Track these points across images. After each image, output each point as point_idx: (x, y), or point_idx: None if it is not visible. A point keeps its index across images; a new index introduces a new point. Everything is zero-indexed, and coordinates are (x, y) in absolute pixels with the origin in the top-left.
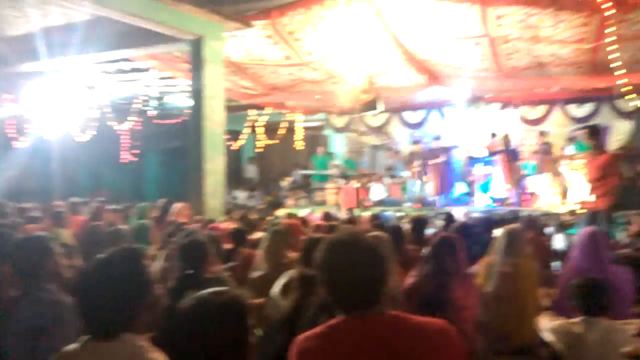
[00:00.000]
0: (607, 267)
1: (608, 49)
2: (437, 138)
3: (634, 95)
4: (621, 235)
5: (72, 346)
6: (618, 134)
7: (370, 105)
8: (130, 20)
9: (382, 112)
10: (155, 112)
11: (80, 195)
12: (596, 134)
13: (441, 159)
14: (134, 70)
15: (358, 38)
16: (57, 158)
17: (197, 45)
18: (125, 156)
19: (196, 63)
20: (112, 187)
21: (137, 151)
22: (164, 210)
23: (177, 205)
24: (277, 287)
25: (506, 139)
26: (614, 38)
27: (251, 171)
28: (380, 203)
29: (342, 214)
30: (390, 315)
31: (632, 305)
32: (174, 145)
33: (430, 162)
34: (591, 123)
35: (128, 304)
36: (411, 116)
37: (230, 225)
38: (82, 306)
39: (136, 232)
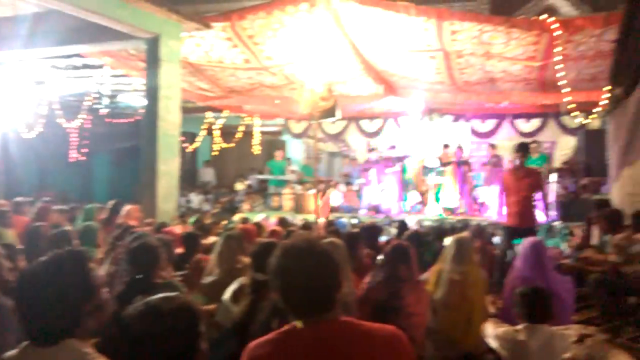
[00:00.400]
0: (550, 276)
1: (556, 67)
2: (393, 147)
3: (578, 112)
4: (564, 246)
5: (11, 352)
6: (563, 149)
7: (329, 113)
8: (84, 15)
9: (339, 119)
10: (107, 111)
11: (25, 194)
12: (522, 151)
13: (396, 168)
14: (85, 66)
15: (318, 45)
16: (2, 155)
17: (153, 44)
18: (74, 155)
19: (152, 62)
20: (59, 187)
21: (87, 150)
22: (113, 212)
23: (127, 208)
24: (228, 293)
25: (458, 151)
26: (561, 57)
27: (208, 174)
28: (336, 210)
29: (298, 221)
30: (343, 322)
31: (572, 313)
32: (126, 145)
33: (386, 170)
34: (532, 139)
35: (71, 309)
36: (368, 125)
37: (183, 229)
38: (22, 310)
39: (82, 234)
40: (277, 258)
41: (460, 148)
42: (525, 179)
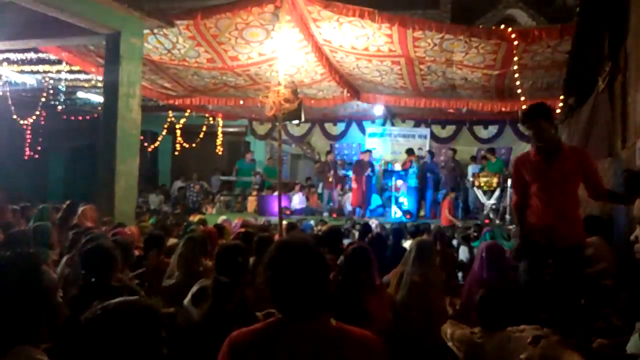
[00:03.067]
0: (506, 278)
1: (515, 75)
2: (369, 150)
3: None
4: None
5: None
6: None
7: (293, 115)
8: (42, 8)
9: (303, 122)
10: (63, 107)
11: None
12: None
13: (367, 172)
14: (41, 61)
15: (283, 47)
16: None
17: (114, 40)
18: (28, 152)
19: (112, 58)
20: (12, 185)
21: (42, 147)
22: (68, 212)
23: (83, 208)
24: (189, 296)
25: (427, 155)
26: (518, 67)
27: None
28: (299, 212)
29: (261, 223)
30: (326, 321)
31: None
32: (83, 143)
33: (357, 173)
34: (489, 145)
35: (22, 314)
36: (332, 128)
37: (138, 230)
38: None
39: (36, 234)
40: (274, 252)
41: (428, 152)
42: (562, 163)
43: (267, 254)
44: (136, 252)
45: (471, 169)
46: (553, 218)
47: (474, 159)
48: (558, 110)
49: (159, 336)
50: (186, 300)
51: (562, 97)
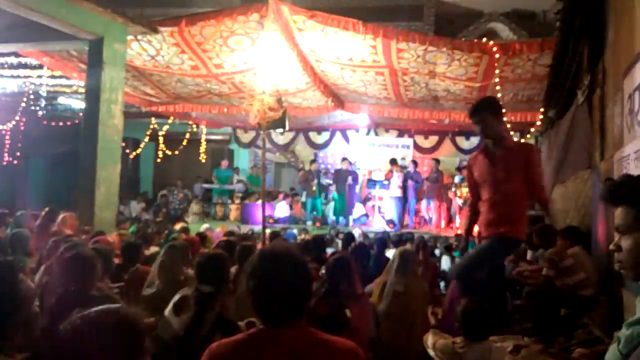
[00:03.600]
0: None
1: (497, 88)
2: (347, 159)
3: (514, 132)
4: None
5: None
6: None
7: (277, 123)
8: (23, 12)
9: (288, 130)
10: (44, 112)
11: None
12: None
13: (348, 181)
14: (22, 65)
15: (268, 56)
16: None
17: (97, 46)
18: (7, 158)
19: (94, 64)
20: None
21: (21, 153)
22: (47, 219)
23: (63, 215)
24: (170, 305)
25: (410, 165)
26: (499, 79)
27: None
28: (283, 220)
29: (245, 231)
30: (308, 330)
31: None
32: (64, 149)
33: (338, 183)
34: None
35: None
36: (316, 137)
37: (119, 238)
38: None
39: (13, 241)
40: (257, 260)
41: (412, 162)
42: (504, 159)
43: (250, 262)
44: (116, 261)
45: (456, 179)
46: (494, 214)
47: (458, 169)
48: (538, 123)
49: (141, 347)
50: (167, 310)
51: (542, 110)
